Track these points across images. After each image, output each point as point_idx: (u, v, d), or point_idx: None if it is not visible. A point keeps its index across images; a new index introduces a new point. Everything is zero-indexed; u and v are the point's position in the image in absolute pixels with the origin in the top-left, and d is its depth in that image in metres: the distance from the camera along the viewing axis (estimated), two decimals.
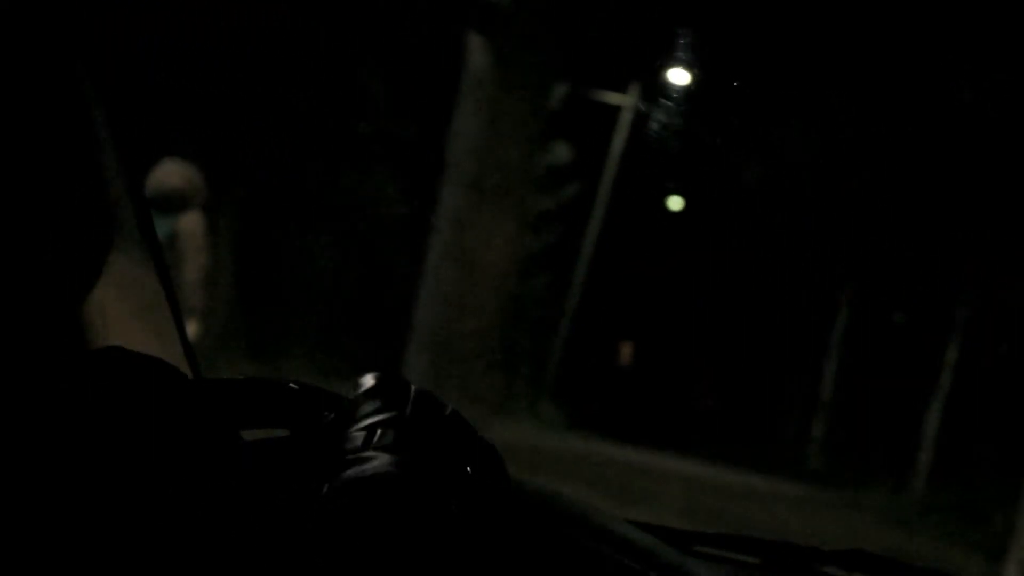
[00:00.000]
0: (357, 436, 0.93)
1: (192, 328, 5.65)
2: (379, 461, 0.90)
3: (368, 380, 0.98)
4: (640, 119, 16.80)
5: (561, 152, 16.37)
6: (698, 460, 14.78)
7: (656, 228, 17.74)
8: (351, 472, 0.90)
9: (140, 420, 0.87)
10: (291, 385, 1.00)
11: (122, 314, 1.14)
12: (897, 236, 15.22)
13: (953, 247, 14.35)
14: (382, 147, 12.59)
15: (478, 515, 0.93)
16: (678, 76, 17.34)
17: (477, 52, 5.40)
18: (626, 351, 20.13)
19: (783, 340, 18.50)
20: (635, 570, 1.10)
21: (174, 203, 5.61)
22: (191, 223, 5.68)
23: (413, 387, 0.99)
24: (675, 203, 18.09)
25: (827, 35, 13.07)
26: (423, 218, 14.09)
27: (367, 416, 0.95)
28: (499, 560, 0.98)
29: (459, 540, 0.91)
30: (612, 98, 16.96)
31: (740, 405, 19.17)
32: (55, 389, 0.86)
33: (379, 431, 0.93)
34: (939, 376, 14.93)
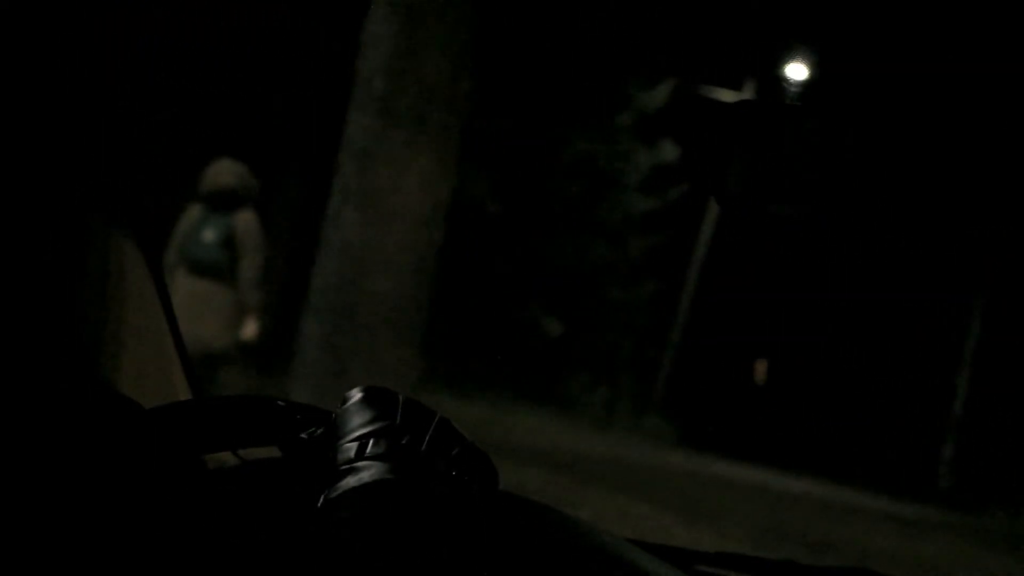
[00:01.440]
0: (349, 448, 0.95)
1: (250, 328, 5.70)
2: (375, 470, 0.93)
3: (355, 393, 1.00)
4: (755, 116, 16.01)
5: (668, 150, 15.71)
6: (820, 481, 14.09)
7: (774, 232, 16.79)
8: (347, 482, 0.92)
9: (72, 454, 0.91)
10: (279, 402, 1.02)
11: (124, 331, 1.16)
12: None
13: None
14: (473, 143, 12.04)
15: (471, 521, 0.95)
16: (796, 71, 16.55)
17: None
18: (760, 369, 19.32)
19: (914, 354, 17.42)
20: None
21: (228, 201, 5.60)
22: (246, 221, 5.64)
23: (401, 396, 1.00)
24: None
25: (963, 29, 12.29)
26: (517, 217, 13.88)
27: (357, 428, 0.97)
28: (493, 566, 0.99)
29: (455, 543, 0.93)
30: (724, 95, 16.14)
31: (871, 423, 18.09)
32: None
33: (371, 441, 0.95)
34: None
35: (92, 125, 1.08)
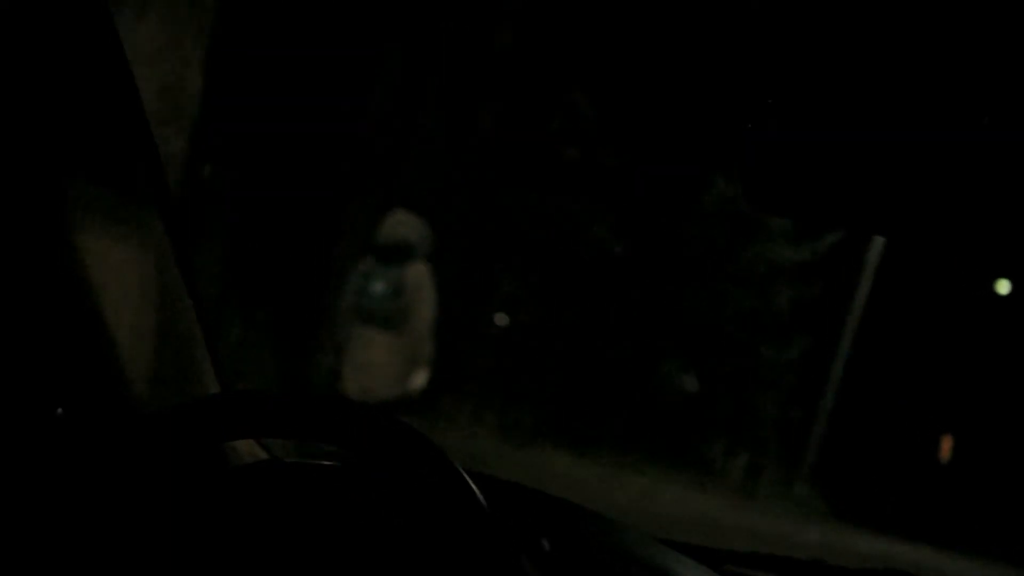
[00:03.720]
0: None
1: (420, 378, 5.82)
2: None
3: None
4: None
5: None
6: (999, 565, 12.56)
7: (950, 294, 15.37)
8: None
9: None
10: (306, 396, 1.07)
11: (152, 326, 1.19)
12: None
13: None
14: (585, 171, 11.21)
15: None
16: None
17: None
18: (947, 445, 17.77)
19: None
20: None
21: (402, 254, 5.73)
22: (417, 273, 5.78)
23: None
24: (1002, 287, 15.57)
25: None
26: (635, 257, 13.07)
27: None
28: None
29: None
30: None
31: None
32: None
33: None
34: None
35: (118, 118, 1.08)
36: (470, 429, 9.62)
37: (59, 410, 1.02)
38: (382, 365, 5.72)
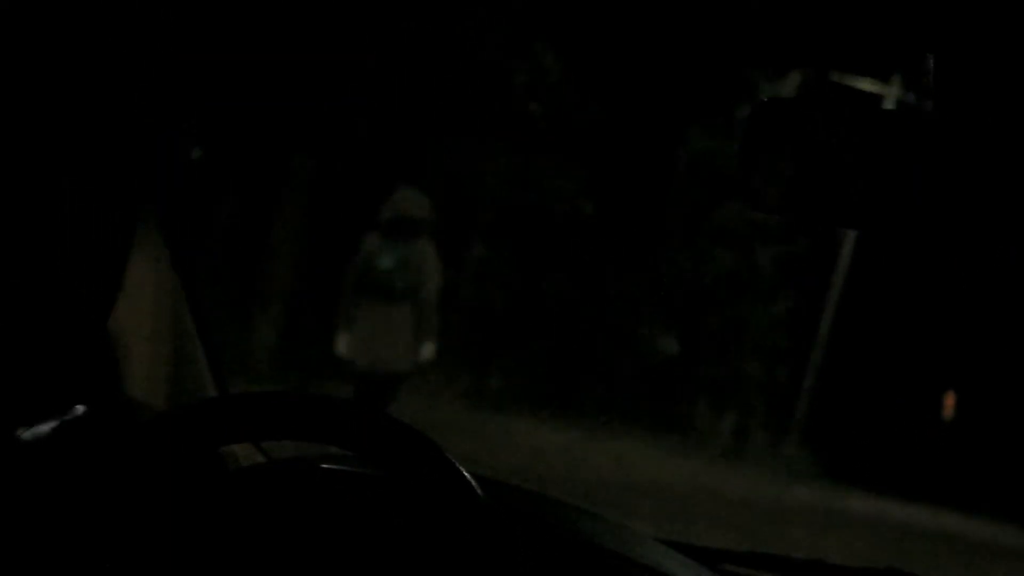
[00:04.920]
0: None
1: (429, 349, 6.16)
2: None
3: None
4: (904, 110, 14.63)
5: None
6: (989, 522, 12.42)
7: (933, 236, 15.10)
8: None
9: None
10: (303, 396, 1.04)
11: (149, 331, 1.22)
12: None
13: None
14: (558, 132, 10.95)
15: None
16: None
17: None
18: (949, 403, 17.63)
19: None
20: None
21: (409, 230, 6.03)
22: (425, 248, 6.10)
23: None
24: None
25: None
26: (608, 216, 12.87)
27: None
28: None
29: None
30: (866, 85, 14.65)
31: None
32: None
33: None
34: None
35: (118, 118, 1.09)
36: (436, 396, 9.41)
37: (79, 407, 1.04)
38: (394, 337, 6.01)
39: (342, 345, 6.29)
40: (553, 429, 10.32)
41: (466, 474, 0.99)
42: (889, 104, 14.90)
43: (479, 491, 0.97)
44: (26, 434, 0.95)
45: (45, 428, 0.97)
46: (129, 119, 1.13)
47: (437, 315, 6.21)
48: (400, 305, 6.01)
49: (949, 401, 17.63)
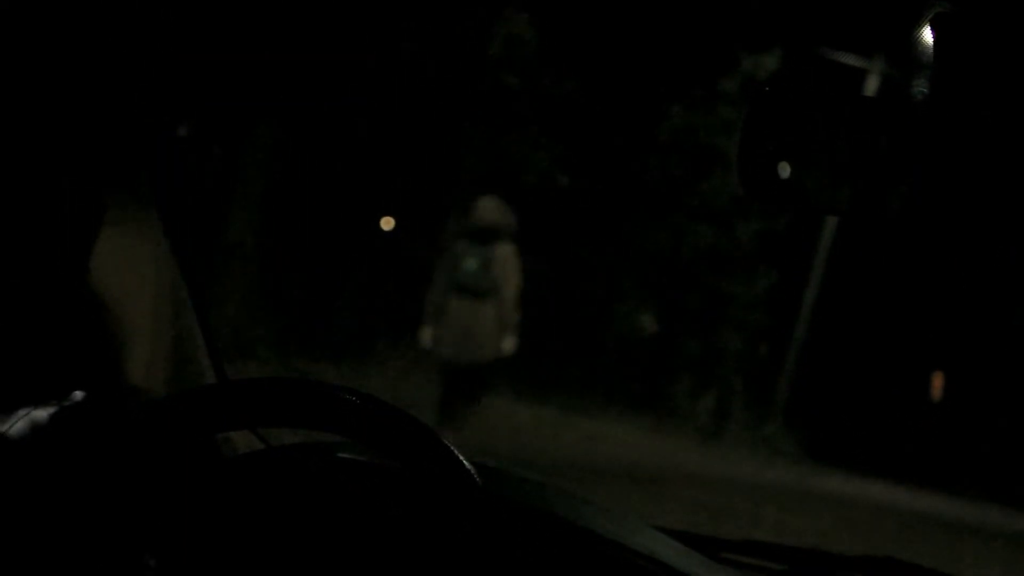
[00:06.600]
0: None
1: (510, 342, 6.85)
2: None
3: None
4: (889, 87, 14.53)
5: None
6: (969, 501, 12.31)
7: (918, 214, 14.96)
8: None
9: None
10: (304, 383, 1.05)
11: (148, 318, 1.22)
12: None
13: None
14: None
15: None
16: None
17: None
18: (937, 383, 17.59)
19: None
20: None
21: (492, 235, 6.63)
22: (506, 251, 6.70)
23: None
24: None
25: None
26: (585, 190, 12.72)
27: None
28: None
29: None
30: (849, 59, 14.44)
31: None
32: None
33: None
34: None
35: (117, 117, 1.10)
36: (403, 372, 9.20)
37: (77, 393, 1.04)
38: (478, 331, 6.66)
39: (428, 338, 6.96)
40: (527, 406, 10.22)
41: (465, 462, 0.99)
42: (875, 80, 14.80)
43: (477, 478, 0.98)
44: (24, 420, 0.94)
45: (43, 414, 0.96)
46: (129, 119, 1.14)
47: (518, 312, 6.82)
48: (484, 303, 6.66)
49: (937, 382, 17.59)
